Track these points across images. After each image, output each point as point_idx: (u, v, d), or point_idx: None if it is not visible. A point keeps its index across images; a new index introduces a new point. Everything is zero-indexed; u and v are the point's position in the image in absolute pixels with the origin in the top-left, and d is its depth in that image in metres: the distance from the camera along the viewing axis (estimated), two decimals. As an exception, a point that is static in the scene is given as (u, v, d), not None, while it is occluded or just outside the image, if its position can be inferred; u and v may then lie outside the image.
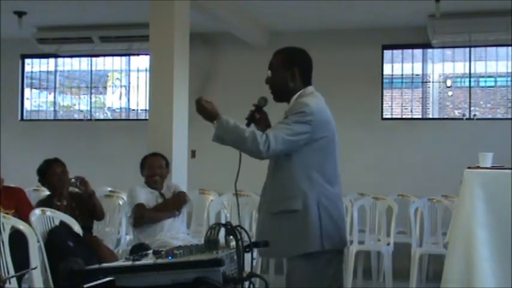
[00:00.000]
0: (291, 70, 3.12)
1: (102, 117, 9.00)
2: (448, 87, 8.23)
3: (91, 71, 8.92)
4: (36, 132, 8.71)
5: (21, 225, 3.71)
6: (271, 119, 3.27)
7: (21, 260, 3.59)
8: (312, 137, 2.99)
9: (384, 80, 7.86)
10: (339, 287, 3.14)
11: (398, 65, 7.93)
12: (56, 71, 9.04)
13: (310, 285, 3.03)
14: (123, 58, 8.71)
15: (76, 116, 9.12)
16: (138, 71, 8.76)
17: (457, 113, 8.18)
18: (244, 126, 2.99)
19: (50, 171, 4.86)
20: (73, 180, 4.80)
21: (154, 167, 5.09)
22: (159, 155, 5.20)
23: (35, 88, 9.24)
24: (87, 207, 4.85)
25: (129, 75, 8.84)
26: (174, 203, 5.04)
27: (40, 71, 9.13)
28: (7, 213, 4.03)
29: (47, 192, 5.05)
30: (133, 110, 8.83)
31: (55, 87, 9.09)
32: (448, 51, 7.92)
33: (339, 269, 3.17)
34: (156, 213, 4.94)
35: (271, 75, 3.17)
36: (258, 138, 2.88)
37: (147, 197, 5.00)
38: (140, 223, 4.90)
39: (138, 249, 4.19)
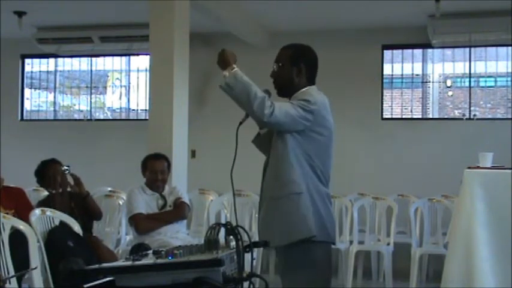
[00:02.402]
0: (297, 66, 3.12)
1: (102, 117, 9.00)
2: (448, 87, 8.22)
3: (91, 71, 8.92)
4: (36, 132, 8.70)
5: (21, 225, 3.71)
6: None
7: (21, 260, 3.59)
8: (311, 128, 2.99)
9: (384, 80, 7.86)
10: (327, 279, 3.13)
11: (398, 65, 7.93)
12: (56, 71, 9.03)
13: (302, 275, 3.02)
14: (123, 58, 8.70)
15: (76, 116, 9.12)
16: (138, 71, 8.75)
17: (457, 113, 8.17)
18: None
19: (48, 172, 4.86)
20: (65, 167, 4.79)
21: (156, 172, 5.03)
22: (161, 158, 5.10)
23: (35, 88, 9.23)
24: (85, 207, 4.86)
25: (129, 75, 8.84)
26: (174, 216, 4.98)
27: (40, 71, 9.12)
28: (7, 213, 4.04)
29: (47, 193, 5.05)
30: (133, 110, 8.82)
31: (55, 87, 9.08)
32: (448, 51, 7.91)
33: (329, 262, 3.15)
34: (154, 223, 4.89)
35: (277, 69, 3.16)
36: (266, 102, 2.89)
37: (146, 200, 4.98)
38: (140, 233, 4.90)
39: (138, 249, 4.19)
